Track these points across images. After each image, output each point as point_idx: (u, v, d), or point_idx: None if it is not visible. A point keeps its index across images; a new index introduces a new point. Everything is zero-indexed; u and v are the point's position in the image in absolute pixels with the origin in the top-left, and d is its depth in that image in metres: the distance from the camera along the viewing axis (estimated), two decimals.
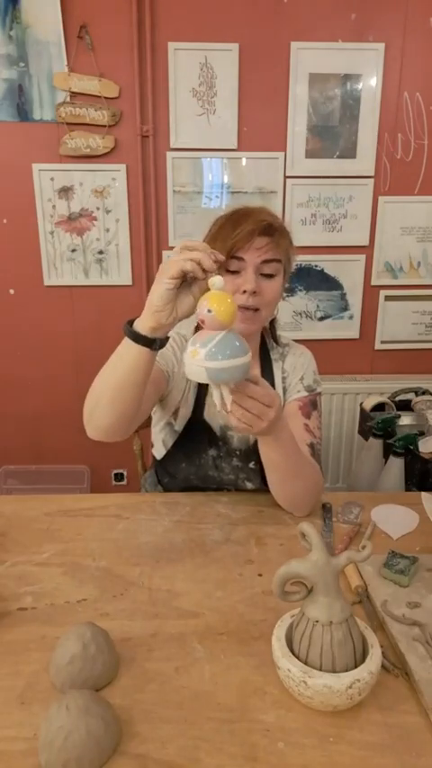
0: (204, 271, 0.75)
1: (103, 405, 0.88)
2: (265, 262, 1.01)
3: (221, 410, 0.80)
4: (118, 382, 0.85)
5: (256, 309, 1.02)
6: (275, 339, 1.20)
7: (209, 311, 0.70)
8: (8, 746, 0.61)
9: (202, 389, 1.14)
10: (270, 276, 1.02)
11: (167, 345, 1.08)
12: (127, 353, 0.83)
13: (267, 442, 0.95)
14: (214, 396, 0.80)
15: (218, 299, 0.72)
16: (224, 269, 1.00)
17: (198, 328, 0.80)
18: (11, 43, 1.95)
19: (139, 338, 0.80)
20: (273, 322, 1.18)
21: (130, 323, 0.82)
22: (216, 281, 0.72)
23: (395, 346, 2.38)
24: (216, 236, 1.02)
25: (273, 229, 1.00)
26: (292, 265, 1.09)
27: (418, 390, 2.04)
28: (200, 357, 0.71)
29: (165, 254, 2.18)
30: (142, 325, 0.80)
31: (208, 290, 0.74)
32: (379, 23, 2.01)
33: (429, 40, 2.03)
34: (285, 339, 1.22)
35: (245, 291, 0.99)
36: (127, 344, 0.82)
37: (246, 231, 0.97)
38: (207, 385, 1.12)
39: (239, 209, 1.05)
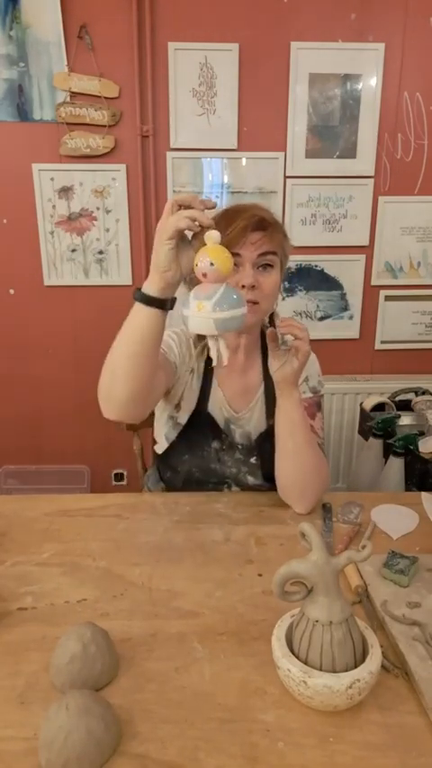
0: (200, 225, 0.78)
1: (121, 377, 0.90)
2: (262, 255, 1.01)
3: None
4: (134, 350, 0.87)
5: (256, 302, 1.03)
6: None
7: (211, 264, 0.73)
8: (8, 746, 0.61)
9: (207, 382, 1.15)
10: (267, 267, 1.03)
11: (172, 339, 1.12)
12: (140, 319, 0.85)
13: (290, 393, 1.01)
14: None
15: (217, 252, 0.74)
16: None
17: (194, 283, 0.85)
18: (11, 43, 1.95)
19: (151, 301, 0.83)
20: (272, 317, 1.18)
21: (138, 290, 0.85)
22: (213, 235, 0.75)
23: (395, 346, 2.38)
24: None
25: (266, 223, 1.01)
26: (287, 258, 1.10)
27: (418, 390, 2.04)
28: (207, 309, 0.75)
29: None
30: (153, 288, 0.83)
31: (204, 244, 0.76)
32: (379, 23, 2.00)
33: (429, 40, 2.03)
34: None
35: (243, 286, 1.00)
36: (139, 310, 0.85)
37: (239, 228, 0.98)
38: (212, 377, 1.14)
39: (231, 206, 1.06)
